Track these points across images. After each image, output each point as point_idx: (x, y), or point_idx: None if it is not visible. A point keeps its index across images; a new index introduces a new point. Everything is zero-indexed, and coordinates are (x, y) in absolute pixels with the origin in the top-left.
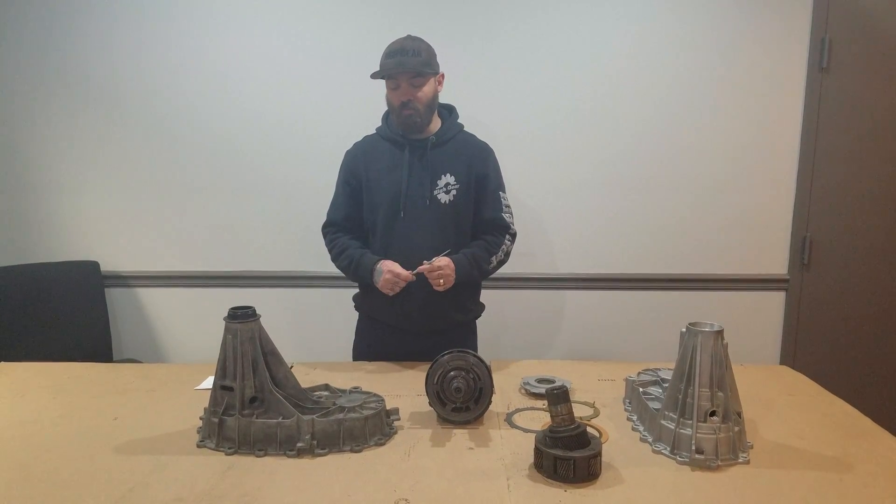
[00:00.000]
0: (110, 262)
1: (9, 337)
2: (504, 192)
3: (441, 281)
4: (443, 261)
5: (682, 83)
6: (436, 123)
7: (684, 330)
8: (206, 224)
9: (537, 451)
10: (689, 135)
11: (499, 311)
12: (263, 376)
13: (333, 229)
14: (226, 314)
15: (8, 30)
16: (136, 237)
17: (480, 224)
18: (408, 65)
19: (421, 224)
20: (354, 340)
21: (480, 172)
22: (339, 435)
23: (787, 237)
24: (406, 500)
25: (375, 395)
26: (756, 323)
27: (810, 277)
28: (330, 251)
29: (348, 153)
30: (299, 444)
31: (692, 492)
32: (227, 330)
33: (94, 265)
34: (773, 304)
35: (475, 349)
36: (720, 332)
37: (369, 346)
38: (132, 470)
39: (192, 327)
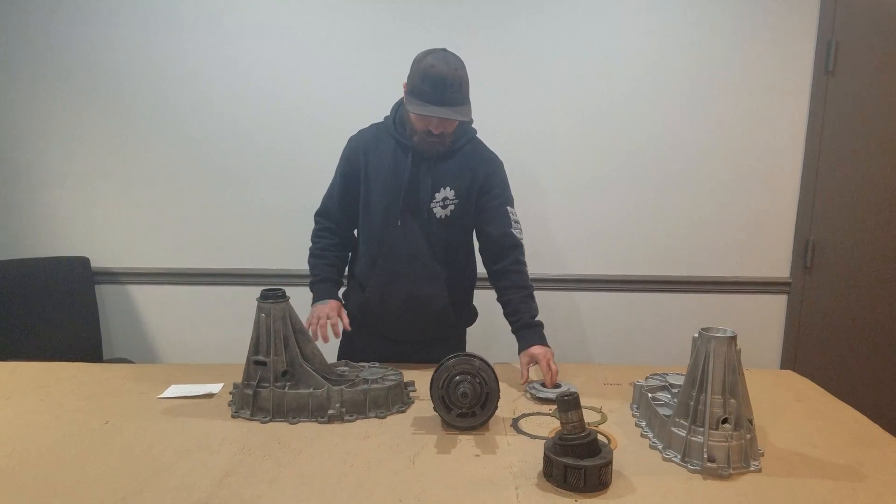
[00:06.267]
0: (101, 258)
1: None
2: (512, 206)
3: (553, 366)
4: (543, 360)
5: (686, 85)
6: None
7: (696, 335)
8: (200, 220)
9: (547, 459)
10: (692, 137)
11: (499, 313)
12: (294, 352)
13: (324, 222)
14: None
15: (3, 24)
16: (128, 232)
17: (489, 241)
18: (451, 104)
19: (415, 236)
20: (340, 342)
21: (484, 188)
22: (366, 403)
23: (790, 240)
24: None
25: (393, 369)
26: (758, 326)
27: (812, 281)
28: (311, 246)
29: (351, 141)
30: (330, 412)
31: (705, 501)
32: (259, 309)
33: (84, 261)
34: (774, 307)
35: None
36: (733, 338)
37: (351, 351)
38: (125, 476)
39: (185, 325)
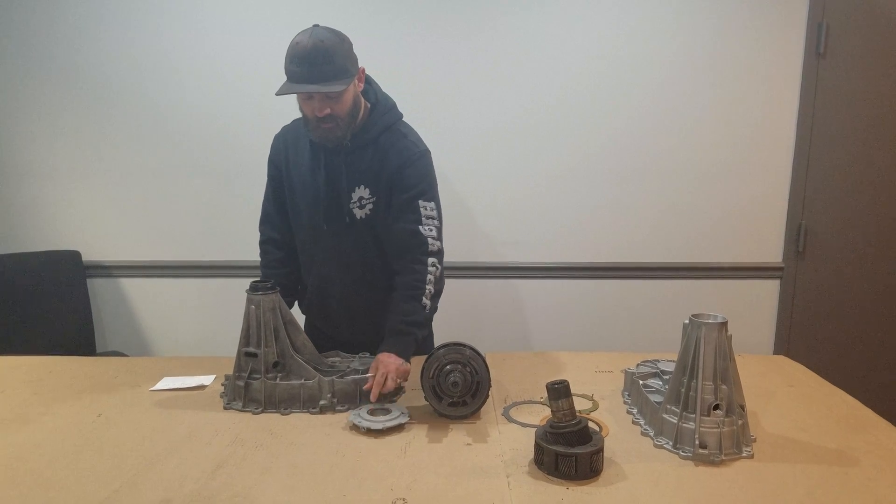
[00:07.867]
0: (92, 252)
1: None
2: (429, 200)
3: (389, 382)
4: (381, 367)
5: (677, 69)
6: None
7: (687, 321)
8: (191, 212)
9: (538, 448)
10: (683, 122)
11: (490, 302)
12: (284, 343)
13: (267, 231)
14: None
15: None
16: (120, 226)
17: (391, 237)
18: (321, 79)
19: (342, 241)
20: None
21: (394, 180)
22: (357, 393)
23: (783, 225)
24: (404, 499)
25: None
26: (750, 311)
27: (805, 265)
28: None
29: (274, 140)
30: (322, 402)
31: (697, 488)
32: (249, 301)
33: (75, 255)
34: (767, 292)
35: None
36: (724, 324)
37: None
38: (119, 468)
39: (177, 318)
